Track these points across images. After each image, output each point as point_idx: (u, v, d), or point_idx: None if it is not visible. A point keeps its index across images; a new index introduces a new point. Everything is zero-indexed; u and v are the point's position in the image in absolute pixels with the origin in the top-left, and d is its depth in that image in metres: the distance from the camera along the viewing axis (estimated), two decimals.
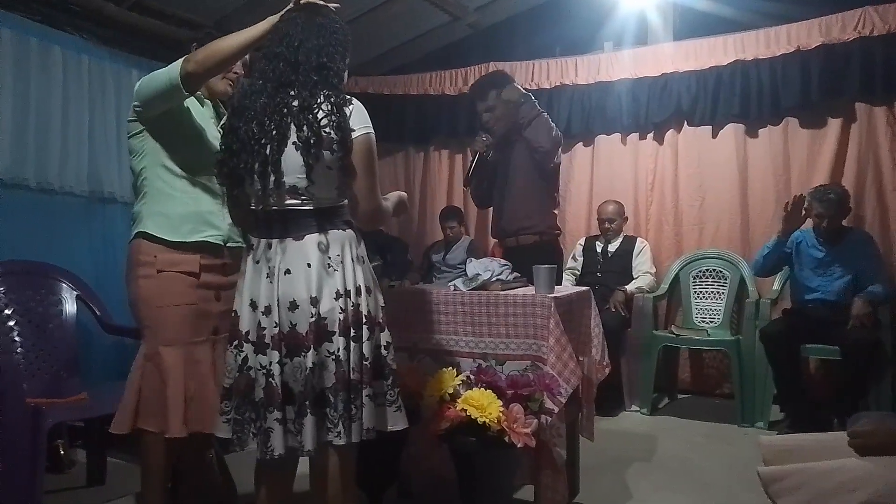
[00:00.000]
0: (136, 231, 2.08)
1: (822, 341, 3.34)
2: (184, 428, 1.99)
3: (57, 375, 2.75)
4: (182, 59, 1.92)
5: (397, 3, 4.31)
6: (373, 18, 4.32)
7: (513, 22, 4.98)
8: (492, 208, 3.44)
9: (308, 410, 1.62)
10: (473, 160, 3.26)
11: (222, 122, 1.79)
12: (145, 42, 3.66)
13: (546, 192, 3.25)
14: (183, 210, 2.08)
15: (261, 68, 1.74)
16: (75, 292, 2.91)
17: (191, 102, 2.13)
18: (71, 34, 3.36)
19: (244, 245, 1.82)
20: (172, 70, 1.92)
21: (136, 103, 2.05)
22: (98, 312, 2.94)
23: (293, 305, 1.65)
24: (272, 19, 1.82)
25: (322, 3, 1.79)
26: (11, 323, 2.70)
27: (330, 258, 1.68)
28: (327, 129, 1.64)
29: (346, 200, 1.76)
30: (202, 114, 2.19)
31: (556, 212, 3.32)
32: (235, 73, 2.20)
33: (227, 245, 2.17)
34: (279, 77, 1.69)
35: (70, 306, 2.88)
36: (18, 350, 2.68)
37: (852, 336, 3.17)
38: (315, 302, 1.64)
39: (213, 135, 2.15)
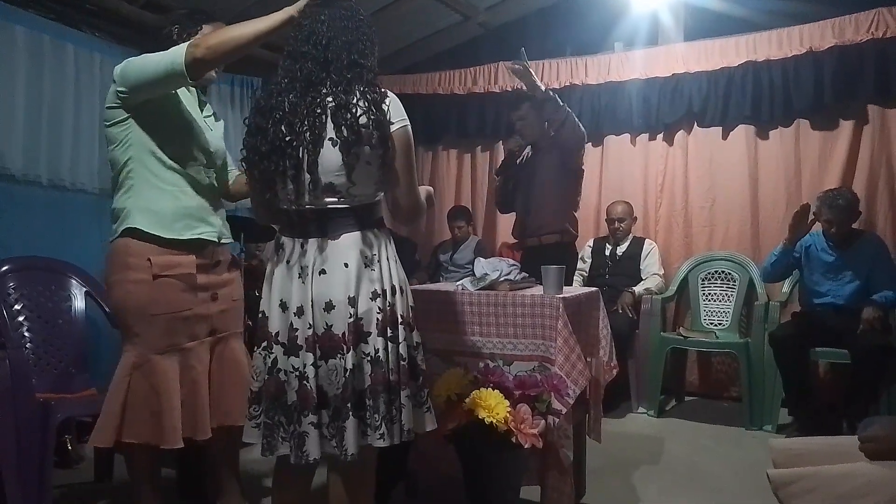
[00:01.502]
0: (122, 228, 1.93)
1: (832, 345, 3.31)
2: (180, 439, 1.90)
3: (66, 371, 2.76)
4: (186, 44, 1.79)
5: (408, 2, 4.32)
6: (383, 17, 4.32)
7: (523, 22, 4.96)
8: (516, 211, 3.49)
9: (350, 413, 1.58)
10: (506, 157, 3.40)
11: (245, 119, 1.70)
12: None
13: (570, 194, 3.34)
14: (175, 205, 1.95)
15: (286, 67, 1.67)
16: (84, 288, 2.92)
17: (180, 89, 1.99)
18: (84, 32, 3.38)
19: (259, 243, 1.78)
20: (175, 56, 1.79)
21: (121, 89, 1.89)
22: (107, 309, 2.95)
23: (329, 306, 1.60)
24: (289, 10, 1.75)
25: None
26: (21, 318, 2.72)
27: (368, 257, 1.64)
28: (366, 127, 1.59)
29: (380, 197, 1.72)
30: (190, 101, 2.07)
31: (576, 214, 3.38)
32: None
33: (221, 242, 2.09)
34: (308, 76, 1.63)
35: (79, 302, 2.89)
36: (28, 345, 2.69)
37: (863, 340, 3.14)
38: (353, 302, 1.60)
39: (201, 124, 2.06)
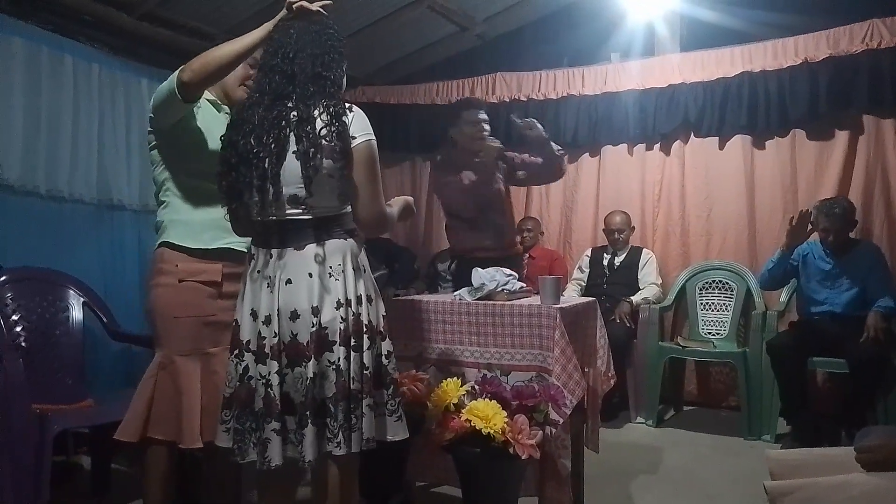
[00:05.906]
0: (160, 241, 2.07)
1: (830, 354, 3.31)
2: (199, 438, 1.96)
3: (63, 382, 2.75)
4: (179, 68, 1.88)
5: (405, 13, 4.34)
6: (381, 28, 4.34)
7: (520, 32, 4.99)
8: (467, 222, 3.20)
9: (309, 421, 1.62)
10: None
11: (221, 135, 1.78)
12: (155, 51, 3.69)
13: (511, 207, 3.29)
14: (203, 217, 2.05)
15: (258, 80, 1.74)
16: (82, 299, 2.92)
17: (206, 109, 2.10)
18: (82, 43, 3.39)
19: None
20: (171, 80, 1.90)
21: (150, 115, 2.05)
22: (105, 319, 2.95)
23: (294, 315, 1.65)
24: (267, 26, 1.80)
25: (315, 8, 1.78)
26: (18, 329, 2.72)
27: (331, 268, 1.68)
28: (327, 139, 1.64)
29: (348, 208, 1.74)
30: (218, 120, 2.13)
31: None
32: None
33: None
34: (276, 89, 1.69)
35: (77, 313, 2.89)
36: (25, 356, 2.68)
37: (863, 349, 3.14)
38: (316, 312, 1.64)
39: None
